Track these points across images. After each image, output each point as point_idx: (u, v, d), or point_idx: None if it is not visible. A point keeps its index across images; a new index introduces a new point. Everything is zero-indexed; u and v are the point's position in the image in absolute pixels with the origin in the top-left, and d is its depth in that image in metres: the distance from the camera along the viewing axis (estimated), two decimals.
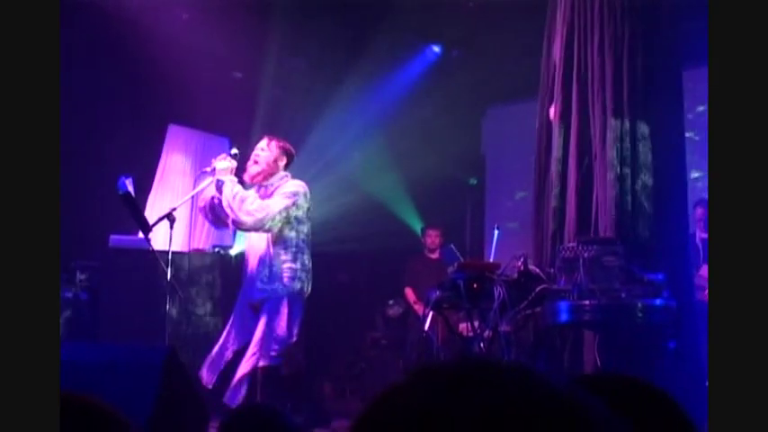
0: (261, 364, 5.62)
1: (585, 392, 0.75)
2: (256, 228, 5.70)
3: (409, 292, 9.56)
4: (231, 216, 5.68)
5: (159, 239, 6.46)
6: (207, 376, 5.77)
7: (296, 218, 5.78)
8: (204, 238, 9.05)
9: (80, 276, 7.39)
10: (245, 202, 5.62)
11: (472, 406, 0.70)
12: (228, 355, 5.82)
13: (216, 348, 5.88)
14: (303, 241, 5.83)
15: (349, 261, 11.04)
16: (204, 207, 5.99)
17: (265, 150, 5.92)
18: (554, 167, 6.10)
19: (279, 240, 5.75)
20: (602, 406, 0.75)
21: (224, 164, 5.79)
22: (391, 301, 10.06)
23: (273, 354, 5.65)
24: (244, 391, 5.61)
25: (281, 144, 5.98)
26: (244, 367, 5.65)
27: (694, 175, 9.31)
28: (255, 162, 5.89)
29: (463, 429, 0.69)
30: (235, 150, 6.02)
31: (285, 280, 5.72)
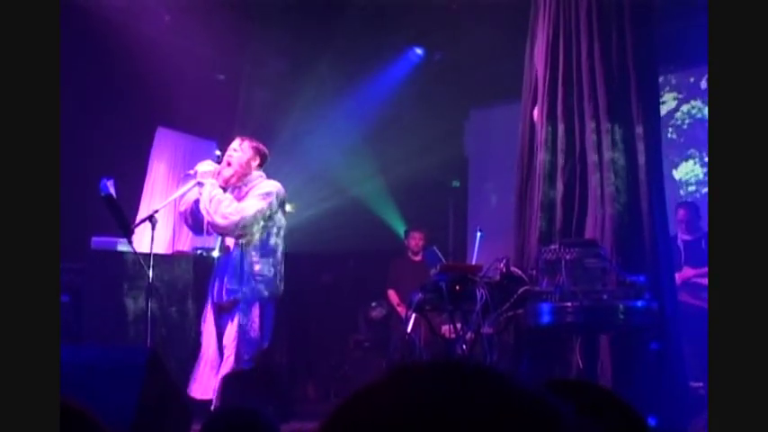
0: (234, 368, 5.59)
1: (555, 396, 0.76)
2: (231, 231, 5.65)
3: (392, 294, 9.57)
4: (207, 219, 5.64)
5: (143, 242, 6.43)
6: (196, 389, 5.73)
7: (270, 219, 5.75)
8: (187, 241, 9.03)
9: (62, 278, 7.34)
10: (220, 205, 5.59)
11: (447, 406, 0.71)
12: (209, 364, 5.78)
13: (200, 362, 5.83)
14: (276, 242, 5.79)
15: (332, 263, 11.05)
16: (185, 211, 5.96)
17: (238, 151, 5.87)
18: (539, 169, 6.11)
19: (251, 242, 5.71)
20: (571, 410, 0.76)
21: (206, 167, 5.77)
22: (374, 303, 10.07)
23: (246, 357, 5.62)
24: (228, 394, 5.58)
25: (254, 144, 5.92)
26: (223, 371, 5.62)
27: (677, 176, 9.38)
28: (228, 164, 5.84)
29: (438, 428, 0.70)
30: (218, 152, 6.00)
31: (256, 282, 5.67)
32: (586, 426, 0.80)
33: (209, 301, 5.87)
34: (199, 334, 5.99)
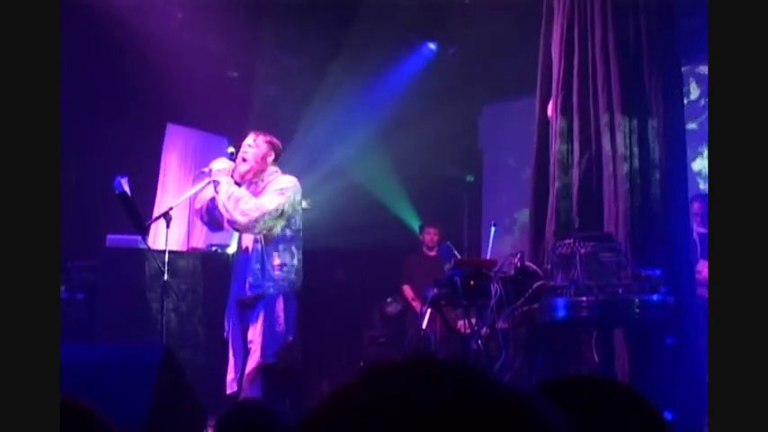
0: (260, 362, 5.60)
1: (531, 393, 0.75)
2: (251, 227, 5.65)
3: (407, 290, 9.58)
4: (226, 216, 5.65)
5: (158, 239, 6.44)
6: (230, 385, 5.74)
7: (287, 214, 5.74)
8: (201, 237, 9.04)
9: (77, 276, 7.38)
10: (239, 202, 5.59)
11: (417, 403, 0.71)
12: (238, 359, 5.78)
13: (230, 359, 5.83)
14: (294, 237, 5.79)
15: (347, 259, 11.04)
16: (201, 209, 5.96)
17: (252, 146, 5.85)
18: (554, 164, 6.08)
19: (270, 237, 5.71)
20: (549, 406, 0.75)
21: (220, 164, 5.76)
22: (389, 299, 10.07)
23: (271, 352, 5.63)
24: (258, 389, 5.59)
25: (268, 139, 5.90)
26: (249, 365, 5.62)
27: (694, 168, 9.31)
28: (244, 160, 5.82)
29: (408, 426, 0.69)
30: (231, 149, 5.98)
31: (277, 277, 5.68)
32: (567, 424, 0.78)
33: (232, 298, 5.88)
34: (223, 330, 5.99)
